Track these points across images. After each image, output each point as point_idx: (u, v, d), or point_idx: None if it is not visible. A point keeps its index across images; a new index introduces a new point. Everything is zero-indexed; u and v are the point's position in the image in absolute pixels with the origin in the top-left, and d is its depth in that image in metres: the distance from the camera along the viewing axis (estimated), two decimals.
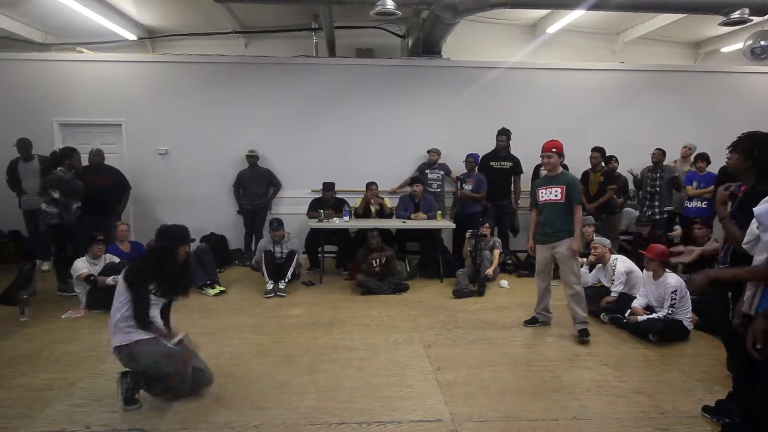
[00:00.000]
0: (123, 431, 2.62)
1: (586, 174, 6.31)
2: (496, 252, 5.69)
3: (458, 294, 5.14)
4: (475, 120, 6.97)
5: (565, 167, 6.36)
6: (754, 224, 2.11)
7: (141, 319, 2.73)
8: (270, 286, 5.18)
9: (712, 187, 5.85)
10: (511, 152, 6.49)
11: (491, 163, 6.43)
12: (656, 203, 6.26)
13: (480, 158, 6.49)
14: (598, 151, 6.23)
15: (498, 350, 3.75)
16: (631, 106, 7.20)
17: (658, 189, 6.24)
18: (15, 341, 3.84)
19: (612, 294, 4.49)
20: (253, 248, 6.37)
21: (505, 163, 6.44)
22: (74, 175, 5.09)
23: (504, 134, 6.40)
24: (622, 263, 4.59)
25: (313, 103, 6.91)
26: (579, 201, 3.94)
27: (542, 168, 6.45)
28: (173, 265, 2.90)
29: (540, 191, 4.05)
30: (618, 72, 7.27)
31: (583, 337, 3.86)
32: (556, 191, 3.94)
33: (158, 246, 2.98)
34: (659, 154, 6.26)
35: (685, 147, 6.63)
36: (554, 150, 3.99)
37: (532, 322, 4.26)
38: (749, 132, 2.45)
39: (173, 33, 8.10)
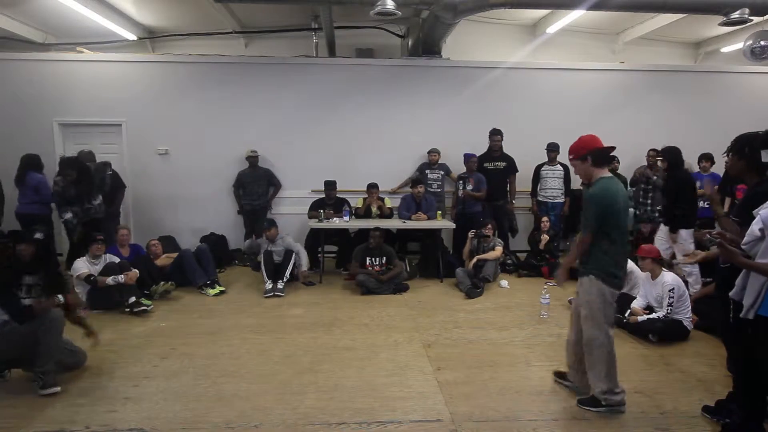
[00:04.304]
0: (123, 431, 2.62)
1: None
2: (498, 249, 5.67)
3: (471, 294, 5.12)
4: (475, 120, 6.96)
5: (566, 167, 6.44)
6: (755, 225, 2.12)
7: (19, 319, 3.00)
8: (269, 285, 5.18)
9: (716, 187, 5.84)
10: (505, 151, 6.48)
11: (485, 164, 6.42)
12: (649, 201, 6.25)
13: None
14: None
15: (498, 350, 3.75)
16: (631, 106, 7.19)
17: (650, 188, 6.23)
18: None
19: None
20: None
21: (500, 163, 6.43)
22: (69, 183, 5.19)
23: (499, 134, 6.40)
24: None
25: (313, 103, 6.90)
26: (587, 228, 2.76)
27: (543, 169, 6.55)
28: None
29: None
30: (618, 72, 7.27)
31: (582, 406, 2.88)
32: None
33: None
34: (654, 155, 6.24)
35: (653, 151, 6.52)
36: (572, 156, 2.88)
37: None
38: (742, 134, 2.52)
39: (173, 33, 8.10)
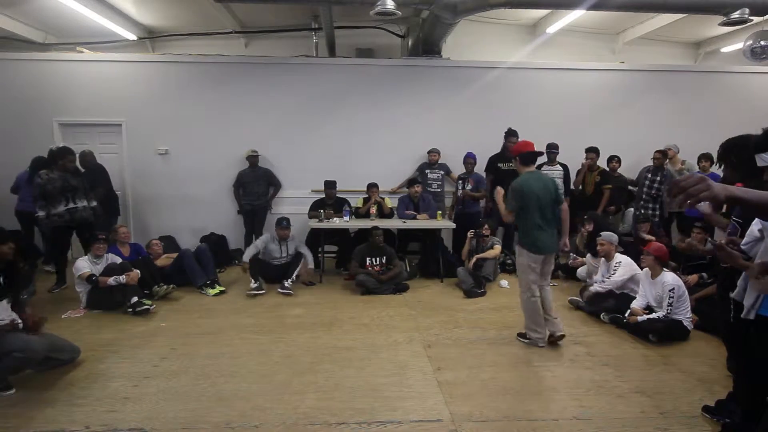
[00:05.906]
0: (123, 431, 2.63)
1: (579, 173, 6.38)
2: (497, 247, 5.68)
3: (469, 294, 5.13)
4: (475, 120, 6.96)
5: (566, 167, 6.44)
6: (754, 226, 2.12)
7: None
8: (254, 285, 5.18)
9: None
10: None
11: (499, 164, 6.37)
12: (657, 205, 6.24)
13: (487, 159, 6.47)
14: (594, 151, 6.35)
15: (498, 350, 3.75)
16: (631, 106, 7.19)
17: (659, 193, 6.19)
18: None
19: (597, 288, 4.50)
20: None
21: (513, 164, 6.40)
22: (60, 176, 4.97)
23: (515, 135, 6.33)
24: (623, 268, 4.51)
25: (313, 103, 6.90)
26: (508, 206, 3.78)
27: (542, 169, 6.53)
28: None
29: None
30: (618, 72, 7.26)
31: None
32: None
33: None
34: (660, 158, 6.22)
35: (669, 149, 6.51)
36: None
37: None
38: (724, 142, 2.49)
39: (173, 33, 8.10)
